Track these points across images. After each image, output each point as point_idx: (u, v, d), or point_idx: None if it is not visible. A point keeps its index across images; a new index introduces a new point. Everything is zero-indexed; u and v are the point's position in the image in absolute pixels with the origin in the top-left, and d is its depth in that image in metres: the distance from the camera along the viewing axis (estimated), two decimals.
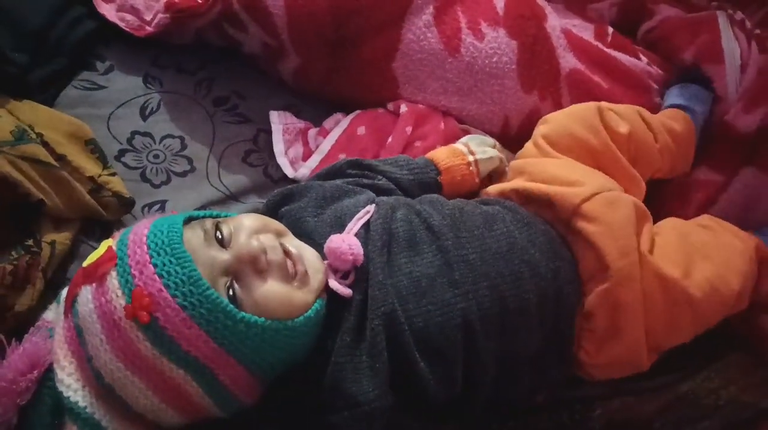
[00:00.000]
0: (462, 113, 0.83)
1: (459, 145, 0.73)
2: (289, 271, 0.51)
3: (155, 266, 0.47)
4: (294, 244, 0.54)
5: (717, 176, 0.82)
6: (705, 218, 0.75)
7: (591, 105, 0.74)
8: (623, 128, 0.73)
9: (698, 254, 0.66)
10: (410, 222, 0.59)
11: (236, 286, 0.49)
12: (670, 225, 0.72)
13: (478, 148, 0.72)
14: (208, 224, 0.53)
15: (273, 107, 0.84)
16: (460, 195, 0.69)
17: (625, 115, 0.73)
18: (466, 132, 0.83)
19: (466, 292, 0.55)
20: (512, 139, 0.83)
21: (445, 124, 0.82)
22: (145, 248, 0.48)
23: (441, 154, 0.71)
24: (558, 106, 0.82)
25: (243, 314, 0.48)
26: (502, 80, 0.81)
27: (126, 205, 0.71)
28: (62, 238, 0.64)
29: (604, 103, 0.74)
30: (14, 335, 0.52)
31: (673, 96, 0.83)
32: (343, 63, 0.82)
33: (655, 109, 0.84)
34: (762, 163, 0.80)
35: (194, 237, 0.51)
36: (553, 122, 0.73)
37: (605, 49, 0.87)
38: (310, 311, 0.51)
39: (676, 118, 0.79)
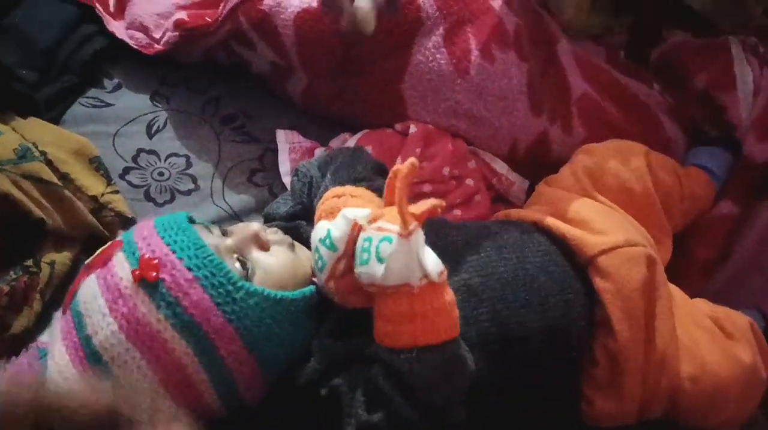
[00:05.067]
0: (470, 134, 0.82)
1: None
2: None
3: (162, 237, 0.50)
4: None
5: (736, 209, 0.80)
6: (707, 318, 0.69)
7: (640, 147, 0.73)
8: (667, 179, 0.72)
9: (713, 369, 0.62)
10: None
11: (244, 259, 0.52)
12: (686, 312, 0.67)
13: None
14: (216, 230, 0.55)
15: (280, 126, 0.84)
16: None
17: (666, 166, 0.73)
18: (474, 154, 0.82)
19: (466, 317, 0.53)
20: (519, 161, 0.82)
21: (454, 146, 0.81)
22: (153, 227, 0.51)
23: None
24: (568, 129, 0.81)
25: (245, 282, 0.49)
26: (512, 103, 0.80)
27: (128, 224, 0.71)
28: (62, 258, 0.63)
29: (649, 149, 0.73)
30: (11, 357, 0.51)
31: (699, 156, 0.82)
32: (351, 83, 0.81)
33: (663, 142, 0.83)
34: None
35: (197, 228, 0.52)
36: (598, 156, 0.71)
37: (617, 75, 0.86)
38: (311, 287, 0.53)
39: (699, 181, 0.78)
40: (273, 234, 0.55)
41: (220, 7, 0.81)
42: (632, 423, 0.61)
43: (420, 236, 0.46)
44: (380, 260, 0.46)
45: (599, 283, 0.59)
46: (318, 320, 0.53)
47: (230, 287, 0.49)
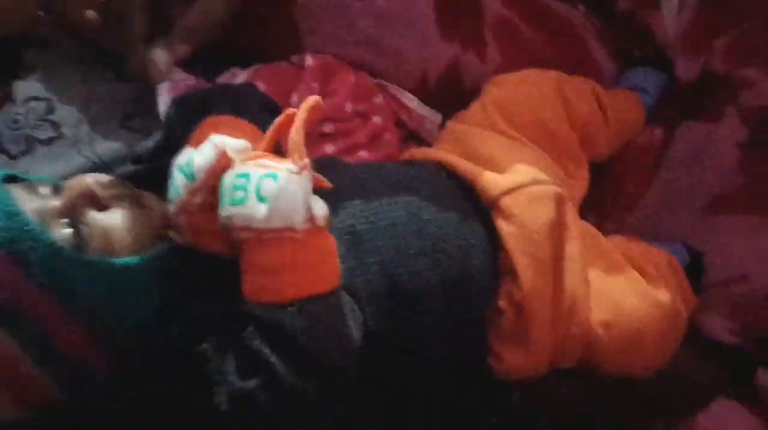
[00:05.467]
0: (375, 66, 0.73)
1: None
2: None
3: None
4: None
5: (662, 133, 0.76)
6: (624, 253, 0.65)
7: (551, 75, 0.68)
8: (582, 107, 0.67)
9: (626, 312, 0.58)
10: None
11: (77, 223, 0.44)
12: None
13: None
14: (46, 188, 0.46)
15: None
16: None
17: (582, 93, 0.67)
18: (381, 87, 0.74)
19: (352, 268, 0.47)
20: (431, 94, 0.74)
21: (356, 79, 0.72)
22: None
23: None
24: (482, 56, 0.74)
25: (73, 252, 0.42)
26: (419, 27, 0.72)
27: None
28: None
29: (563, 75, 0.67)
30: None
31: (632, 78, 0.78)
32: (242, 13, 0.71)
33: (591, 68, 0.77)
34: (701, 114, 0.73)
35: (15, 189, 0.44)
36: (508, 88, 0.66)
37: None
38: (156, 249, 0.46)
39: (628, 104, 0.74)
40: (110, 188, 0.46)
41: None
42: (545, 375, 0.57)
43: (310, 174, 0.42)
44: (261, 199, 0.40)
45: (502, 226, 0.54)
46: (176, 279, 0.46)
47: (53, 263, 0.41)
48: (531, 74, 0.68)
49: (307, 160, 0.41)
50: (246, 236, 0.40)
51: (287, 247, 0.40)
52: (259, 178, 0.40)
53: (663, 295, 0.59)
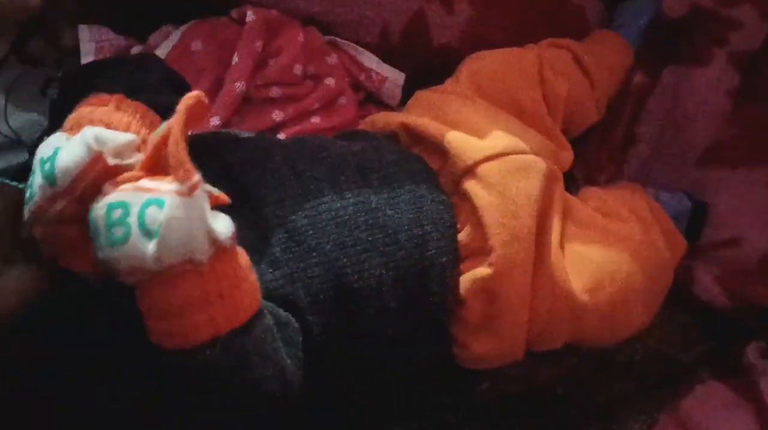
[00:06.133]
0: (327, 20, 0.65)
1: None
2: None
3: None
4: None
5: (646, 79, 0.69)
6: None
7: (532, 55, 0.61)
8: (561, 87, 0.60)
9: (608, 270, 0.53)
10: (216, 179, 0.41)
11: None
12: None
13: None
14: None
15: (84, 21, 0.64)
16: None
17: (563, 68, 0.62)
18: (335, 45, 0.66)
19: (290, 273, 0.40)
20: (394, 51, 0.66)
21: (306, 36, 0.64)
22: None
23: None
24: (450, 8, 0.65)
25: None
26: None
27: None
28: None
29: (543, 54, 0.61)
30: None
31: (633, 15, 0.71)
32: None
33: (570, 12, 0.69)
34: (689, 57, 0.67)
35: None
36: (487, 61, 0.60)
37: None
38: None
39: (613, 46, 0.68)
40: None
41: None
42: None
43: (203, 190, 0.32)
44: (148, 233, 0.31)
45: (479, 194, 0.47)
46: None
47: None
48: (513, 53, 0.61)
49: (197, 177, 0.31)
50: (137, 279, 0.32)
51: (191, 282, 0.32)
52: (141, 208, 0.31)
53: (637, 233, 0.54)
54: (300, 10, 0.64)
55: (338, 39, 0.66)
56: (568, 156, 0.59)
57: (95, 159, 0.33)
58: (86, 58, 0.63)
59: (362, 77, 0.66)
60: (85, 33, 0.64)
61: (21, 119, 0.60)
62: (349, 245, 0.42)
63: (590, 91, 0.65)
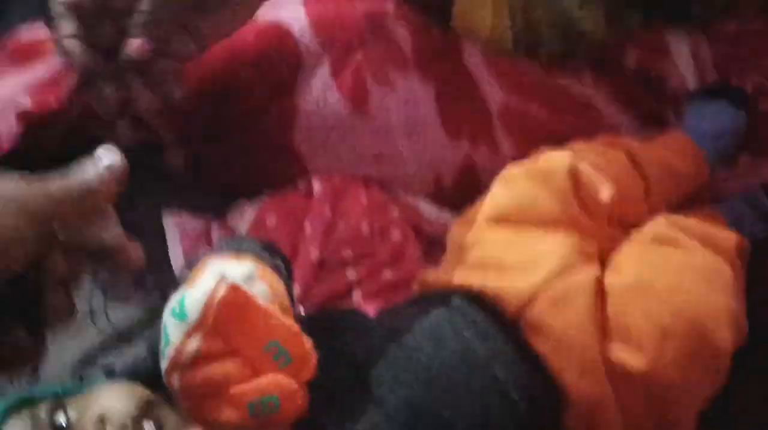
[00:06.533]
0: (385, 178, 0.70)
1: None
2: None
3: None
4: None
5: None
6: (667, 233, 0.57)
7: (562, 165, 0.57)
8: (605, 193, 0.58)
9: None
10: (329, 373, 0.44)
11: None
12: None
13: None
14: (43, 410, 0.38)
15: (165, 207, 0.71)
16: None
17: (607, 167, 0.59)
18: (395, 199, 0.71)
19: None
20: (449, 197, 0.71)
21: (368, 196, 0.69)
22: None
23: None
24: (495, 151, 0.70)
25: None
26: (424, 132, 0.69)
27: None
28: None
29: (578, 161, 0.58)
30: None
31: (689, 116, 0.70)
32: (233, 147, 0.69)
33: (605, 131, 0.72)
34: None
35: (15, 421, 0.37)
36: (513, 188, 0.58)
37: (539, 73, 0.74)
38: None
39: (682, 150, 0.66)
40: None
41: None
42: None
43: None
44: None
45: (537, 344, 0.49)
46: None
47: None
48: (539, 168, 0.59)
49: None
50: None
51: None
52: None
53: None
54: (361, 173, 0.70)
55: (398, 193, 0.71)
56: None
57: (220, 284, 0.35)
58: (173, 245, 0.69)
59: (424, 225, 0.71)
60: (169, 220, 0.71)
61: (119, 315, 0.66)
62: (467, 406, 0.44)
63: (642, 194, 0.62)
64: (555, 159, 0.59)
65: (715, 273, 0.52)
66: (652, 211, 0.64)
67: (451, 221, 0.70)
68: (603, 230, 0.59)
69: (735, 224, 0.60)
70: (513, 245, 0.54)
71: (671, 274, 0.51)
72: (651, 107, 0.78)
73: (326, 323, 0.50)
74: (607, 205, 0.58)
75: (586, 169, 0.59)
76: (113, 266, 0.40)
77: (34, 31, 0.77)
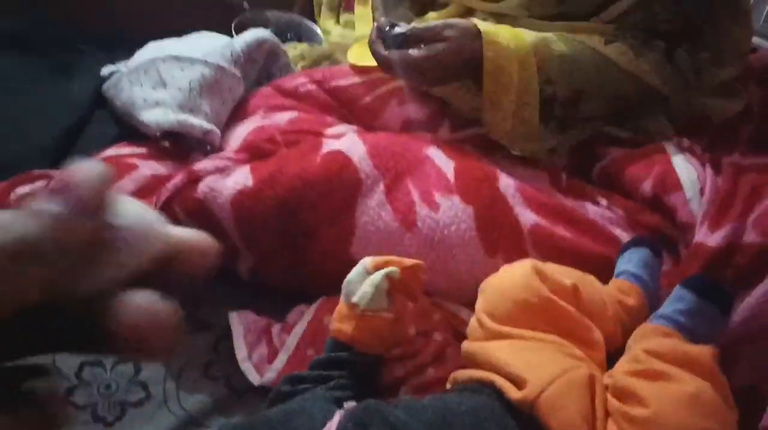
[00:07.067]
0: (430, 286, 0.79)
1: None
2: None
3: None
4: None
5: None
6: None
7: (525, 263, 0.69)
8: (567, 281, 0.67)
9: None
10: None
11: None
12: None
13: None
14: None
15: (231, 307, 0.80)
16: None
17: (567, 273, 0.70)
18: (437, 305, 0.79)
19: None
20: None
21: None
22: None
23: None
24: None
25: None
26: (465, 249, 0.78)
27: None
28: None
29: (537, 262, 0.70)
30: None
31: (625, 262, 0.78)
32: (299, 257, 0.79)
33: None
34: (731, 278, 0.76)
35: None
36: (490, 291, 0.69)
37: (562, 199, 0.85)
38: None
39: (628, 292, 0.73)
40: None
41: (154, 201, 0.80)
42: None
43: None
44: None
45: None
46: None
47: None
48: (506, 271, 0.70)
49: None
50: None
51: None
52: None
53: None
54: None
55: (440, 300, 0.79)
56: (599, 343, 0.65)
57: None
58: (237, 339, 0.77)
59: (462, 328, 0.78)
60: (234, 319, 0.79)
61: (189, 401, 0.72)
62: None
63: (603, 305, 0.69)
64: (519, 263, 0.70)
65: (709, 404, 0.58)
66: (615, 324, 0.70)
67: None
68: (568, 310, 0.66)
69: (693, 338, 0.65)
70: (506, 352, 0.62)
71: (674, 412, 0.57)
72: (663, 233, 0.87)
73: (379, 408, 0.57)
74: (569, 289, 0.66)
75: (548, 267, 0.69)
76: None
77: (119, 148, 0.91)
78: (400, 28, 0.86)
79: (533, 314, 0.65)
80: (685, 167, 0.87)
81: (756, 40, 1.75)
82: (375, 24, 0.90)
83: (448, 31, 0.84)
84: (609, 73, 0.90)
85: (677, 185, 0.86)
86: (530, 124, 0.88)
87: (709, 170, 0.87)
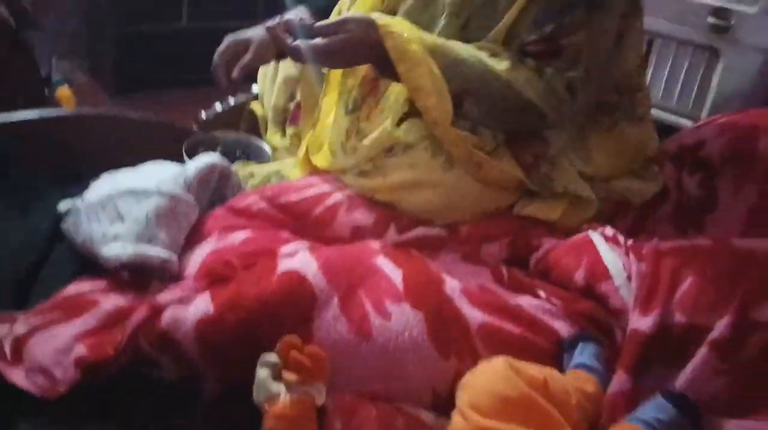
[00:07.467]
0: (390, 394, 0.83)
1: None
2: None
3: None
4: None
5: (630, 381, 0.83)
6: None
7: (500, 359, 0.77)
8: (539, 375, 0.75)
9: None
10: None
11: None
12: None
13: None
14: None
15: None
16: None
17: (533, 367, 0.77)
18: (399, 411, 0.83)
19: None
20: (446, 407, 0.83)
21: (377, 410, 0.81)
22: None
23: None
24: (477, 363, 0.84)
25: None
26: (419, 353, 0.83)
27: None
28: None
29: (509, 358, 0.77)
30: None
31: (577, 355, 0.86)
32: None
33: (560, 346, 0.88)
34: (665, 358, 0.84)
35: None
36: (473, 387, 0.76)
37: (505, 294, 0.92)
38: None
39: (585, 381, 0.81)
40: None
41: (120, 335, 0.82)
42: None
43: None
44: None
45: None
46: None
47: None
48: (485, 367, 0.77)
49: None
50: None
51: None
52: None
53: None
54: (368, 389, 0.82)
55: (401, 405, 0.83)
56: None
57: None
58: None
59: None
60: None
61: None
62: None
63: (569, 397, 0.76)
64: (495, 360, 0.78)
65: None
66: (579, 412, 0.77)
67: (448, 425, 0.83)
68: (543, 405, 0.72)
69: None
70: None
71: None
72: (599, 322, 0.94)
73: None
74: (541, 382, 0.74)
75: (518, 363, 0.77)
76: None
77: (80, 285, 0.94)
78: (308, 21, 1.02)
79: (513, 409, 0.71)
80: (611, 257, 0.95)
81: (672, 118, 1.93)
82: (282, 19, 1.05)
83: (348, 25, 0.97)
84: (490, 79, 0.98)
85: (606, 274, 0.95)
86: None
87: (632, 258, 0.95)
